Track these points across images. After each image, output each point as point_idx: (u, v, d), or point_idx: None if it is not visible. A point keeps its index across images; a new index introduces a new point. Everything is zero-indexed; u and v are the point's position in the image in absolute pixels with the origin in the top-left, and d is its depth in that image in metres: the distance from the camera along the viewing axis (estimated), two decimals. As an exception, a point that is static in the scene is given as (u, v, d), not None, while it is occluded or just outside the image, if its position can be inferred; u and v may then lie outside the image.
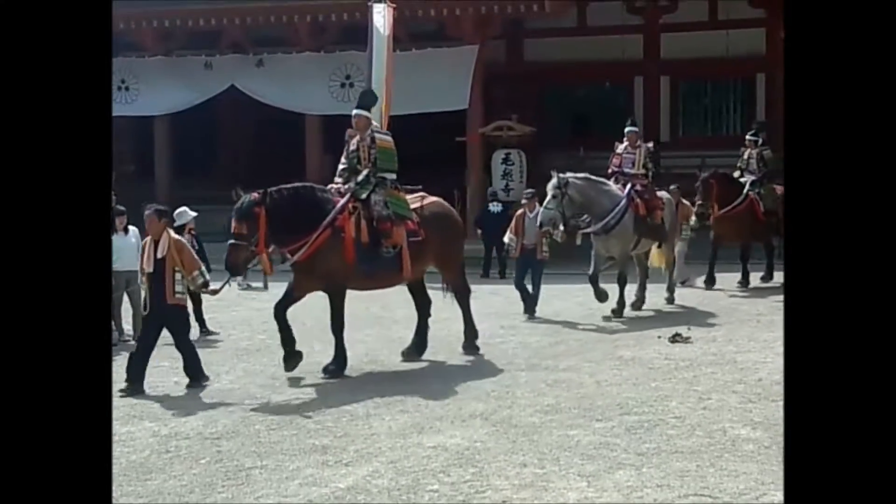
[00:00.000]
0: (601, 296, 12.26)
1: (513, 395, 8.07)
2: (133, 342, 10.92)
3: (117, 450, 6.51)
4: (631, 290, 12.86)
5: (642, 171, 13.05)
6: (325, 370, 9.02)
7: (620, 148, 13.35)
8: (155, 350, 10.48)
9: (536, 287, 12.48)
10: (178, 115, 21.59)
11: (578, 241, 13.04)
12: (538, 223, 12.07)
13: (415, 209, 9.64)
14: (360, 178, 9.30)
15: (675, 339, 10.58)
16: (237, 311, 12.92)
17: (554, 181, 12.10)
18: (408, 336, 11.14)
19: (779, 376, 8.08)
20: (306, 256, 8.90)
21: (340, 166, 9.63)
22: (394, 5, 17.80)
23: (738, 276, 15.17)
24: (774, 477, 5.64)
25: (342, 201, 9.11)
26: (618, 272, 12.61)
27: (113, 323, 10.61)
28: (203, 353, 10.32)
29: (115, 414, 7.42)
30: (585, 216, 12.43)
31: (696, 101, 23.76)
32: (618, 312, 12.35)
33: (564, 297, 12.33)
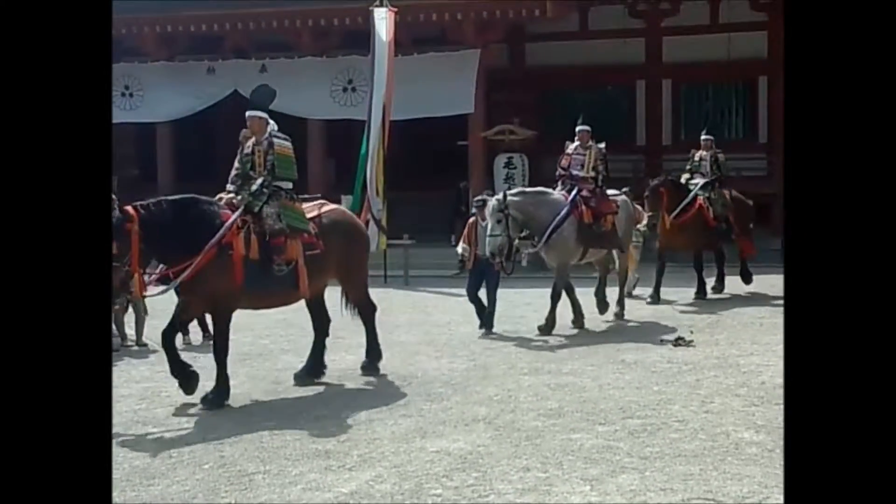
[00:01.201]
0: (581, 311, 11.81)
1: (516, 400, 8.07)
2: (136, 347, 10.97)
3: (120, 455, 6.52)
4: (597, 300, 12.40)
5: (591, 174, 12.17)
6: (204, 400, 8.13)
7: (570, 148, 12.46)
8: (157, 355, 10.57)
9: (492, 300, 11.71)
10: (181, 120, 21.65)
11: (524, 263, 12.21)
12: (488, 252, 11.26)
13: (312, 219, 8.80)
14: (254, 187, 8.49)
15: (677, 342, 10.58)
16: (239, 316, 12.89)
17: (493, 204, 11.27)
18: (410, 340, 11.18)
19: (781, 379, 8.07)
20: (191, 276, 7.99)
21: (233, 172, 8.77)
22: (395, 9, 17.89)
23: (692, 286, 14.44)
24: (777, 480, 5.63)
25: (234, 216, 8.21)
26: (553, 283, 11.73)
27: (115, 328, 10.62)
28: (207, 359, 10.34)
29: (118, 419, 7.45)
30: (526, 232, 11.63)
31: (698, 105, 23.76)
32: (545, 329, 11.47)
33: (565, 301, 12.31)
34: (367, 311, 9.58)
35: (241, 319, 12.34)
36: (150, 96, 21.65)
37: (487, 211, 11.34)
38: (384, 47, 17.57)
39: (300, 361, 9.70)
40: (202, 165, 22.90)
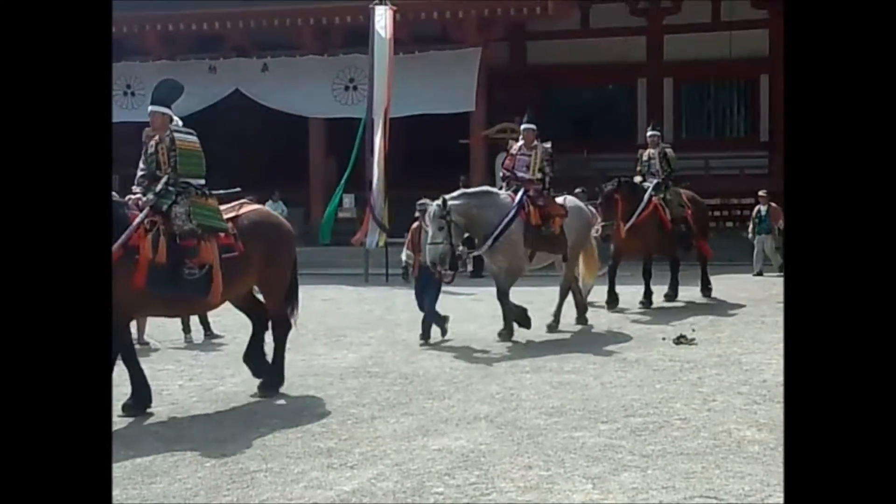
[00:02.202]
0: (512, 322, 11.04)
1: (518, 398, 8.07)
2: (138, 345, 10.97)
3: (122, 452, 6.52)
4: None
5: (537, 175, 11.48)
6: (124, 408, 7.69)
7: (515, 148, 11.85)
8: (158, 353, 10.60)
9: (431, 308, 11.00)
10: (183, 119, 21.65)
11: (470, 267, 11.46)
12: (428, 262, 10.59)
13: (232, 219, 8.21)
14: (158, 187, 7.92)
15: (679, 340, 10.58)
16: (241, 314, 12.91)
17: (433, 210, 10.51)
18: (411, 338, 11.16)
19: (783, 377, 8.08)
20: None
21: (139, 173, 8.20)
22: (394, 7, 17.90)
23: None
24: (780, 478, 5.61)
25: (140, 216, 7.68)
26: (497, 287, 11.15)
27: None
28: (208, 357, 10.37)
29: (119, 417, 7.45)
30: (468, 236, 10.91)
31: (700, 103, 23.81)
32: (504, 336, 10.94)
33: (567, 300, 12.31)
34: (280, 328, 8.79)
35: (241, 319, 12.43)
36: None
37: (428, 217, 10.66)
38: (384, 45, 17.60)
39: (301, 359, 9.73)
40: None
